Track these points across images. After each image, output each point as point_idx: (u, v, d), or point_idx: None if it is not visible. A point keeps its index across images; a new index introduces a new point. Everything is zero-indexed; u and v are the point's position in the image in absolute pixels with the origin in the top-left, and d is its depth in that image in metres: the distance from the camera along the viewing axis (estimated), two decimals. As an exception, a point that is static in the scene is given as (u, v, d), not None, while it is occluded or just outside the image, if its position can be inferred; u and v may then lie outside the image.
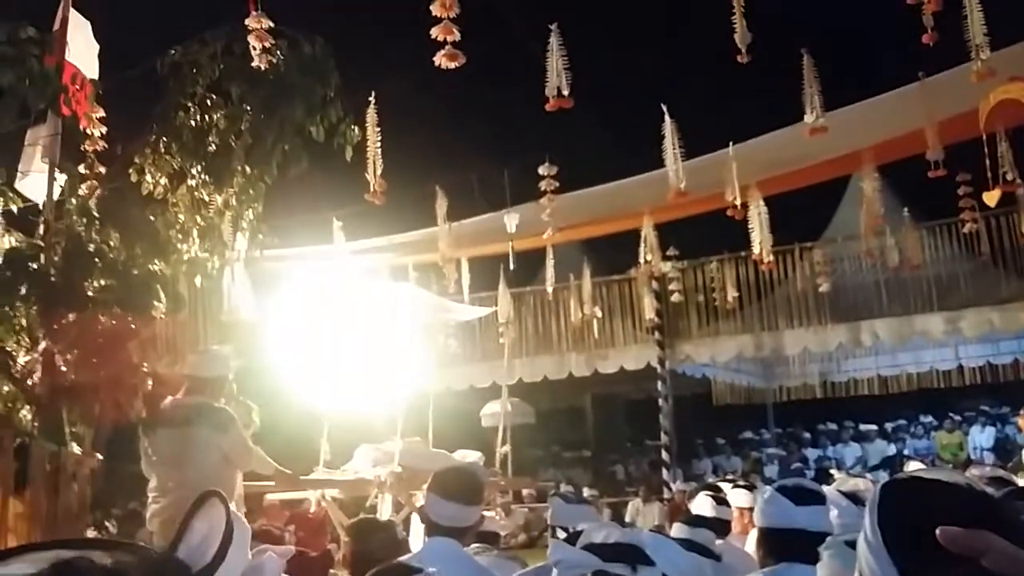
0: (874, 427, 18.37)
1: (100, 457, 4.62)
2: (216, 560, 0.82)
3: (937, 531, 0.80)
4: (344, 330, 6.90)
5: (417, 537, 6.12)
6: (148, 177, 4.75)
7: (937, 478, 1.20)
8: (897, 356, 16.47)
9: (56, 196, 4.54)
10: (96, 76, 5.01)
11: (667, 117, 7.30)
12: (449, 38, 4.57)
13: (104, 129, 5.02)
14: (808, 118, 6.35)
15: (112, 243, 4.52)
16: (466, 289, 10.61)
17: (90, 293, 4.31)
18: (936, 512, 0.88)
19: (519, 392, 13.90)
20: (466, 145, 14.11)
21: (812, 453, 18.47)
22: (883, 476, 13.59)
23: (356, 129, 4.90)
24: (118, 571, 0.77)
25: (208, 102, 4.86)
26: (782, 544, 2.97)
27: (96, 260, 4.38)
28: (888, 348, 15.24)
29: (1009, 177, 7.33)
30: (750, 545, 4.30)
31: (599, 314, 13.38)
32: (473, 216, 10.14)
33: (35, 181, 4.64)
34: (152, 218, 4.73)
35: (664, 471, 14.23)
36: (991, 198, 7.03)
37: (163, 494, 5.09)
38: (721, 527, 4.75)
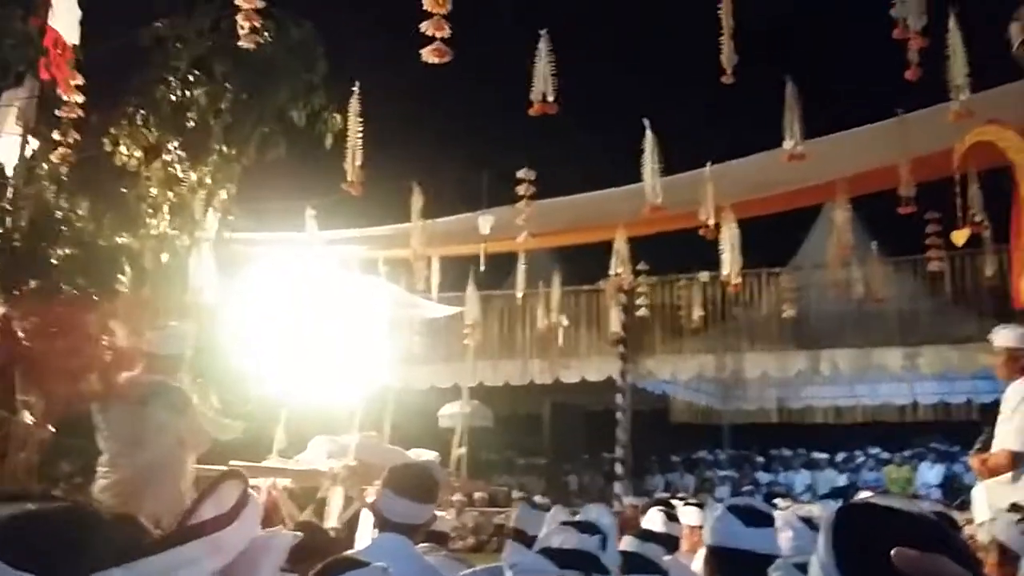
0: (826, 456, 18.55)
1: (52, 428, 4.55)
2: (232, 512, 0.82)
3: (893, 552, 0.81)
4: (309, 319, 6.84)
5: (366, 533, 6.08)
6: (123, 149, 4.68)
7: (891, 505, 1.22)
8: (854, 387, 16.66)
9: (26, 160, 4.46)
10: (77, 42, 4.93)
11: (648, 132, 7.34)
12: (439, 34, 4.56)
13: (82, 97, 4.94)
14: (787, 144, 6.41)
15: (80, 212, 4.45)
16: (435, 288, 10.57)
17: (54, 261, 4.24)
18: (889, 537, 0.89)
19: (480, 395, 13.87)
20: (447, 144, 14.08)
21: (764, 477, 18.63)
22: (831, 505, 13.73)
23: (339, 118, 4.87)
24: (133, 521, 0.80)
25: (190, 78, 4.81)
26: (730, 563, 2.98)
27: (62, 228, 4.31)
28: (846, 379, 15.42)
29: (977, 219, 7.46)
30: (698, 563, 4.32)
31: (565, 323, 13.40)
32: (448, 215, 10.12)
33: (5, 143, 4.56)
34: (123, 190, 4.66)
35: (616, 484, 14.27)
36: (960, 237, 7.13)
37: (114, 470, 5.01)
38: (670, 543, 4.78)
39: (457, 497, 12.40)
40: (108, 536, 0.77)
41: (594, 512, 3.24)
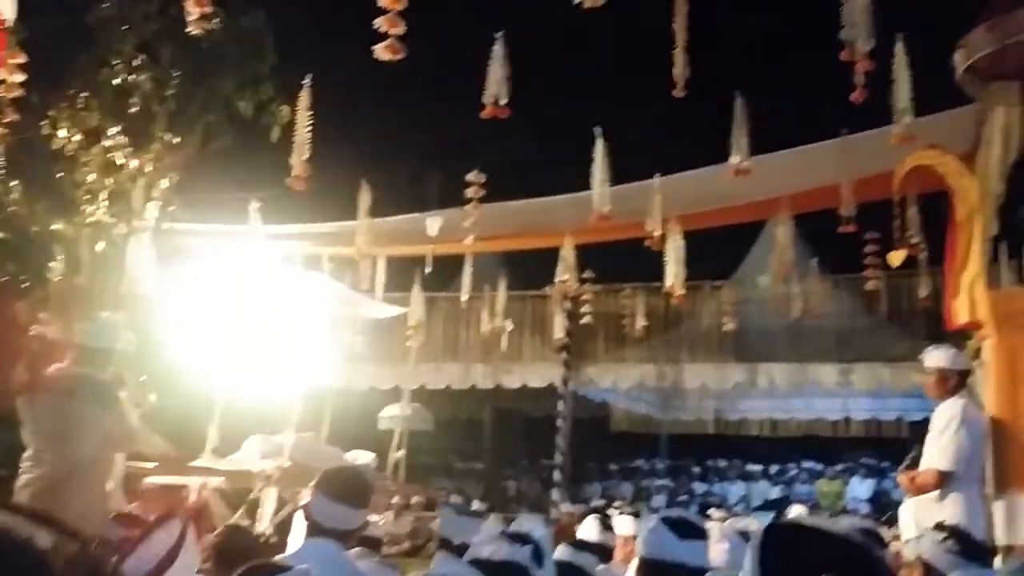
0: (760, 468, 18.86)
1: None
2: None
3: None
4: (249, 314, 6.72)
5: (299, 536, 5.98)
6: (62, 132, 4.53)
7: (818, 526, 1.22)
8: (790, 401, 16.94)
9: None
10: (13, 17, 4.75)
11: (599, 141, 7.36)
12: (393, 31, 4.50)
13: (22, 77, 4.78)
14: (734, 159, 6.48)
15: (14, 195, 4.29)
16: (379, 287, 10.46)
17: (-18, 245, 4.09)
18: (816, 559, 0.88)
19: (420, 398, 13.78)
20: (397, 143, 13.97)
21: (700, 487, 18.86)
22: (764, 517, 13.96)
23: (286, 110, 4.78)
24: (44, 563, 0.72)
25: (135, 62, 4.67)
26: (662, 575, 2.99)
27: (-7, 211, 4.16)
28: (782, 392, 15.66)
29: (914, 241, 7.62)
30: (631, 573, 4.34)
31: (509, 327, 13.38)
32: (395, 215, 10.01)
33: (-63, 120, 4.39)
34: (60, 175, 4.51)
35: (555, 491, 14.29)
36: (896, 258, 7.28)
37: (38, 464, 4.85)
38: (604, 553, 4.79)
39: (396, 500, 12.31)
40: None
41: (527, 523, 3.22)
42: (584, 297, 13.06)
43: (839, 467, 18.11)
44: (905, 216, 7.35)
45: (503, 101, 5.37)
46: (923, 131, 5.98)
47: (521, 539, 2.79)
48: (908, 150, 6.22)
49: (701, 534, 3.09)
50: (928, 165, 6.49)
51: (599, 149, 7.37)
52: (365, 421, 12.98)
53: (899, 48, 5.56)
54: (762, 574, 1.09)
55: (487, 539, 2.70)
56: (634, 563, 4.19)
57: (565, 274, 10.50)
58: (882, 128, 6.15)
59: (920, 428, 6.33)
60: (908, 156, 6.41)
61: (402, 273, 11.29)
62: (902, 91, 5.57)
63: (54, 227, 4.33)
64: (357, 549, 4.23)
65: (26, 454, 4.93)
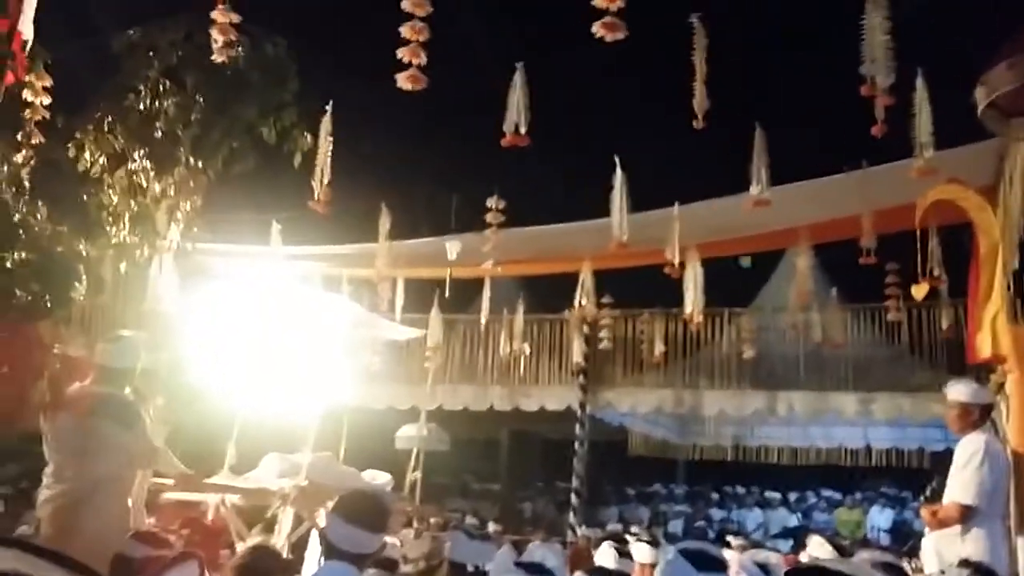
0: (778, 495, 18.69)
1: (-8, 435, 4.44)
2: None
3: None
4: (268, 334, 6.75)
5: (315, 555, 5.99)
6: (87, 155, 4.60)
7: (839, 569, 1.22)
8: (809, 429, 16.82)
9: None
10: (31, 37, 4.83)
11: (619, 169, 7.40)
12: (415, 61, 4.56)
13: (48, 99, 4.86)
14: (754, 190, 6.49)
15: (39, 216, 4.36)
16: (398, 309, 10.52)
17: (8, 265, 4.15)
18: None
19: (438, 418, 13.79)
20: (417, 167, 14.07)
21: (717, 514, 18.70)
22: (782, 545, 13.81)
23: (308, 137, 4.84)
24: None
25: (160, 88, 4.75)
26: (680, 608, 2.98)
27: (20, 232, 4.22)
28: (801, 420, 15.56)
29: (936, 273, 7.58)
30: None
31: (527, 351, 13.39)
32: (415, 238, 10.09)
33: (-33, 143, 4.48)
34: (85, 197, 4.59)
35: (571, 514, 14.23)
36: (919, 291, 7.23)
37: (59, 481, 4.89)
38: (621, 581, 4.77)
39: (417, 525, 12.30)
40: None
41: (540, 553, 3.23)
42: (602, 322, 13.07)
43: (859, 496, 17.92)
44: (927, 249, 7.33)
45: (523, 129, 5.41)
46: (944, 165, 5.97)
47: (536, 569, 2.80)
48: (929, 183, 6.20)
49: (720, 566, 3.08)
50: (950, 199, 6.46)
51: (619, 177, 7.41)
52: (382, 441, 12.98)
53: (920, 82, 5.56)
54: None
55: (501, 569, 2.70)
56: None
57: (583, 298, 10.53)
58: (903, 161, 6.15)
59: (941, 458, 6.28)
60: (929, 189, 6.38)
61: (421, 295, 11.36)
62: (923, 125, 5.57)
63: (78, 248, 4.40)
64: (373, 571, 4.24)
65: (47, 470, 4.97)
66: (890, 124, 5.54)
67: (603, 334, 13.11)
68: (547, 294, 13.46)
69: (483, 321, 11.88)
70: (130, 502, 4.97)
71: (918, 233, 6.78)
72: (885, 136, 5.57)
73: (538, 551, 3.35)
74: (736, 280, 12.90)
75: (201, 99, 4.57)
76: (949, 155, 6.41)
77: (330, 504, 3.67)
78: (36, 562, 0.76)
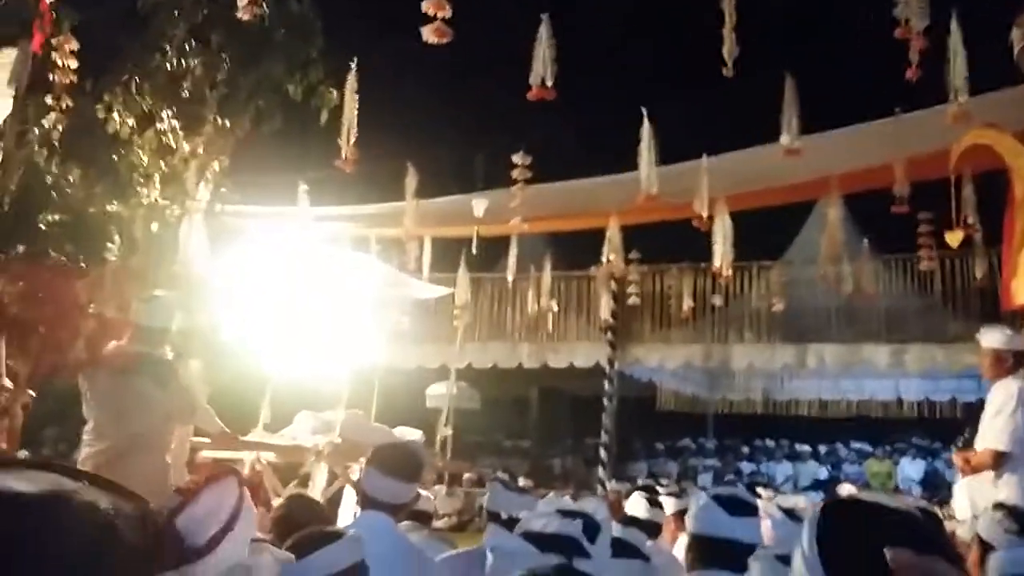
0: (808, 448, 18.68)
1: (33, 394, 4.52)
2: (210, 544, 0.78)
3: (889, 552, 0.80)
4: (299, 294, 6.81)
5: (348, 510, 6.08)
6: (116, 116, 4.63)
7: (877, 501, 1.21)
8: (839, 382, 16.74)
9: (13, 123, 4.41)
10: None
11: (646, 121, 7.32)
12: (440, 14, 4.52)
13: (75, 63, 4.88)
14: (784, 139, 6.40)
15: (71, 179, 4.40)
16: (426, 268, 10.55)
17: (43, 227, 4.20)
18: (876, 533, 0.88)
19: (467, 377, 13.90)
20: (443, 124, 14.00)
21: (747, 467, 18.74)
22: (812, 498, 13.83)
23: (335, 93, 4.82)
24: (108, 518, 0.75)
25: (187, 47, 4.75)
26: (712, 552, 2.99)
27: (53, 194, 4.27)
28: (832, 373, 15.49)
29: (970, 220, 7.47)
30: (678, 551, 4.34)
31: (555, 308, 13.41)
32: (442, 196, 10.08)
33: (-1, 105, 4.51)
34: (115, 158, 4.61)
35: (600, 469, 14.33)
36: (954, 239, 7.14)
37: (99, 439, 4.99)
38: (653, 529, 4.80)
39: (448, 483, 12.47)
40: (75, 551, 0.72)
41: (591, 505, 3.25)
42: (630, 277, 13.03)
43: (889, 448, 17.87)
44: (961, 196, 7.22)
45: (549, 82, 5.36)
46: (980, 110, 5.86)
47: (573, 514, 2.82)
48: (964, 129, 6.10)
49: (752, 510, 3.08)
50: (985, 144, 6.35)
51: (646, 129, 7.34)
52: (412, 400, 13.12)
53: (954, 26, 5.43)
54: (820, 550, 1.07)
55: (538, 512, 2.73)
56: (682, 540, 4.20)
57: (611, 254, 10.49)
58: (937, 107, 6.04)
59: (973, 409, 6.23)
60: (964, 135, 6.27)
61: (448, 254, 11.38)
62: (957, 69, 5.45)
63: (110, 209, 4.44)
64: (407, 522, 4.30)
65: (87, 428, 5.07)
66: (924, 69, 5.43)
67: (631, 290, 13.08)
68: (574, 251, 13.43)
69: (510, 279, 11.90)
70: (169, 459, 5.05)
71: (952, 180, 6.69)
72: (919, 82, 5.47)
73: (590, 503, 3.37)
74: (766, 233, 12.78)
75: (227, 58, 4.56)
76: (984, 100, 6.29)
77: (363, 460, 3.72)
78: (74, 484, 0.77)
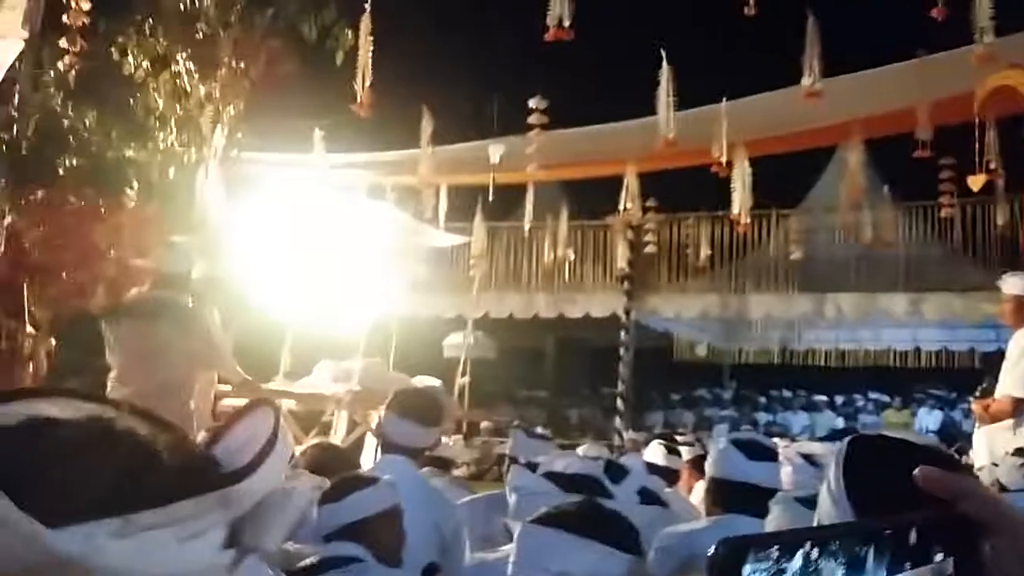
0: (825, 398, 18.70)
1: (54, 341, 4.55)
2: (250, 466, 0.78)
3: (918, 470, 0.78)
4: (316, 242, 6.81)
5: (369, 457, 6.14)
6: (130, 59, 4.58)
7: (905, 438, 1.21)
8: (857, 332, 16.67)
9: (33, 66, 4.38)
10: None
11: (664, 63, 7.21)
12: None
13: (87, 3, 4.82)
14: (805, 81, 6.29)
15: (88, 122, 4.38)
16: (442, 216, 10.52)
17: (60, 171, 4.19)
18: (903, 468, 0.86)
19: (484, 326, 13.92)
20: (459, 68, 13.82)
21: (763, 417, 18.79)
22: (831, 447, 13.85)
23: (349, 34, 4.75)
24: (147, 442, 0.75)
25: (199, -13, 4.69)
26: (731, 496, 3.00)
27: (70, 138, 4.24)
28: (849, 323, 15.43)
29: (992, 166, 7.36)
30: (693, 499, 4.37)
31: (572, 257, 13.37)
32: (458, 142, 10.00)
33: (10, 47, 4.46)
34: (131, 101, 4.58)
35: (617, 419, 14.40)
36: (976, 182, 7.05)
37: (124, 385, 5.03)
38: (671, 476, 4.83)
39: (467, 433, 12.58)
40: (117, 471, 0.73)
41: (629, 459, 3.26)
42: (647, 226, 12.96)
43: (907, 398, 17.87)
44: (984, 140, 7.10)
45: (567, 23, 5.26)
46: (1005, 50, 5.72)
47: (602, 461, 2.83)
48: (989, 71, 5.97)
49: (772, 455, 3.08)
50: (1010, 86, 6.22)
51: (664, 72, 7.22)
52: (430, 349, 13.16)
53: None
54: (846, 484, 1.06)
55: (559, 454, 2.73)
56: (699, 488, 4.22)
57: (628, 203, 10.42)
58: (962, 48, 5.91)
59: (992, 359, 6.19)
60: (989, 77, 6.14)
61: (464, 203, 11.33)
62: (983, 9, 5.32)
63: (127, 154, 4.43)
64: (428, 468, 4.34)
65: (111, 375, 5.12)
66: (950, 8, 5.31)
67: (648, 239, 13.02)
68: (591, 199, 13.33)
69: (527, 228, 11.86)
70: (193, 404, 5.10)
71: (976, 123, 6.57)
72: (944, 22, 5.34)
73: (629, 458, 3.38)
74: (785, 180, 12.63)
75: (240, -3, 4.52)
76: (1011, 40, 6.14)
77: (383, 407, 3.74)
78: (114, 412, 0.77)
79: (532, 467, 3.26)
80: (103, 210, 4.11)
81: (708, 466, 3.22)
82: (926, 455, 1.18)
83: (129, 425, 0.76)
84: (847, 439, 1.30)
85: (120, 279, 4.61)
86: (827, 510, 1.16)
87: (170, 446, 0.76)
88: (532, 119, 8.35)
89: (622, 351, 14.43)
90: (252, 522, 0.78)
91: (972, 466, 5.64)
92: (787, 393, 19.11)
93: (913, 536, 0.70)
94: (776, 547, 0.65)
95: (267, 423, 0.81)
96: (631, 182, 10.28)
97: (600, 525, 1.68)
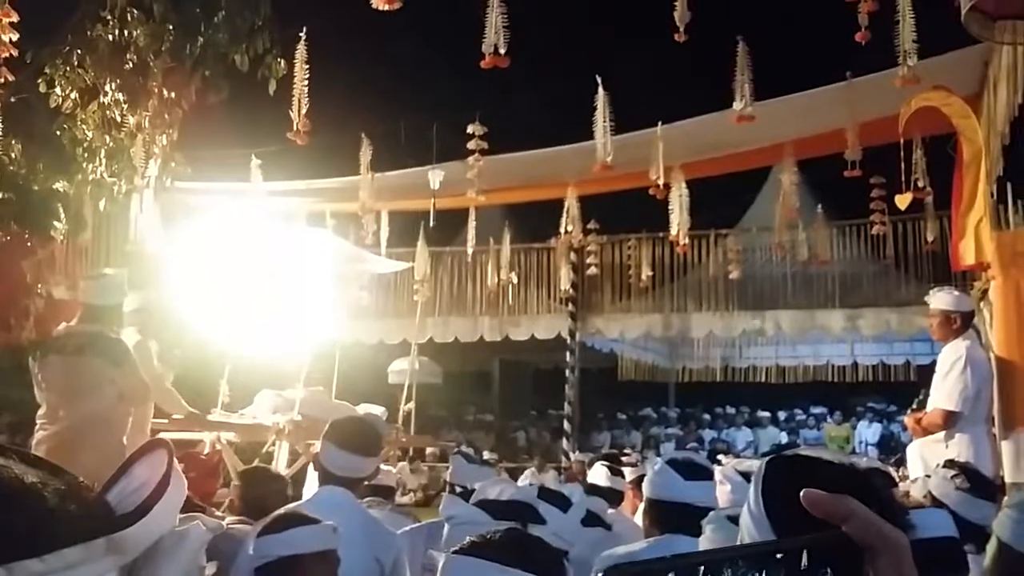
0: (768, 414, 18.98)
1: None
2: (139, 511, 0.76)
3: (802, 493, 0.80)
4: (255, 271, 6.72)
5: (312, 488, 6.05)
6: (58, 90, 4.50)
7: (820, 456, 1.23)
8: (797, 348, 16.99)
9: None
10: None
11: (600, 89, 7.30)
12: (389, -20, 4.45)
13: (15, 35, 4.73)
14: (737, 105, 6.42)
15: (14, 155, 4.28)
16: (384, 242, 10.48)
17: (-15, 205, 4.09)
18: (814, 485, 0.89)
19: (429, 351, 13.87)
20: (396, 95, 13.85)
21: (708, 434, 19.00)
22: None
23: (283, 63, 4.72)
24: (36, 491, 0.74)
25: (128, 16, 4.61)
26: (668, 516, 3.03)
27: (-6, 171, 4.15)
28: (789, 339, 15.71)
29: (920, 184, 7.58)
30: (638, 519, 4.40)
31: (515, 280, 13.40)
32: (397, 168, 9.98)
33: (-67, 81, 4.37)
34: (59, 133, 4.49)
35: (564, 440, 14.42)
36: (903, 201, 7.24)
37: (52, 422, 4.90)
38: (615, 497, 4.85)
39: (411, 459, 12.47)
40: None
41: (569, 488, 3.27)
42: (589, 248, 13.05)
43: (847, 412, 18.22)
44: (911, 159, 7.31)
45: (502, 50, 5.30)
46: (928, 72, 5.91)
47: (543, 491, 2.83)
48: (913, 92, 6.16)
49: (706, 474, 3.12)
50: (934, 106, 6.42)
51: (601, 97, 7.32)
52: (375, 376, 13.07)
53: (903, -13, 5.48)
54: (765, 504, 1.09)
55: (492, 480, 2.73)
56: (642, 507, 4.25)
57: (569, 225, 10.50)
58: (887, 71, 6.09)
59: (927, 371, 6.34)
60: (913, 98, 6.34)
61: (406, 228, 11.29)
62: (906, 32, 5.50)
63: (56, 186, 4.33)
64: (370, 498, 4.29)
65: (40, 412, 4.98)
66: (873, 32, 5.47)
67: (590, 260, 13.10)
68: (533, 222, 13.41)
69: (470, 252, 11.87)
70: (125, 440, 4.97)
71: (902, 143, 6.76)
72: (869, 46, 5.50)
73: (569, 488, 3.38)
74: (722, 201, 12.86)
75: (171, 26, 4.44)
76: (933, 63, 6.35)
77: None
78: (14, 463, 0.75)
79: (471, 492, 3.26)
80: (29, 243, 4.01)
81: (645, 487, 3.24)
82: (837, 471, 1.21)
83: (15, 473, 0.74)
84: (765, 459, 1.33)
85: (48, 314, 4.49)
86: (749, 529, 1.18)
87: (60, 493, 0.75)
88: (471, 144, 8.37)
89: (568, 372, 14.48)
90: (145, 566, 0.77)
91: (907, 478, 5.78)
92: (731, 410, 19.35)
93: (804, 559, 0.72)
94: (670, 573, 0.66)
95: (160, 466, 0.80)
96: (572, 205, 10.37)
97: (522, 552, 1.68)
